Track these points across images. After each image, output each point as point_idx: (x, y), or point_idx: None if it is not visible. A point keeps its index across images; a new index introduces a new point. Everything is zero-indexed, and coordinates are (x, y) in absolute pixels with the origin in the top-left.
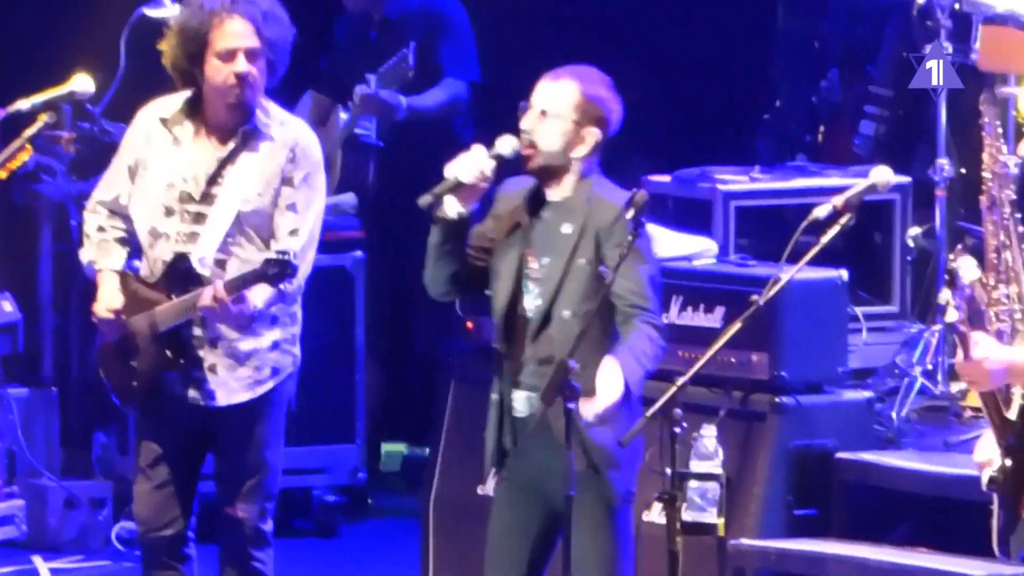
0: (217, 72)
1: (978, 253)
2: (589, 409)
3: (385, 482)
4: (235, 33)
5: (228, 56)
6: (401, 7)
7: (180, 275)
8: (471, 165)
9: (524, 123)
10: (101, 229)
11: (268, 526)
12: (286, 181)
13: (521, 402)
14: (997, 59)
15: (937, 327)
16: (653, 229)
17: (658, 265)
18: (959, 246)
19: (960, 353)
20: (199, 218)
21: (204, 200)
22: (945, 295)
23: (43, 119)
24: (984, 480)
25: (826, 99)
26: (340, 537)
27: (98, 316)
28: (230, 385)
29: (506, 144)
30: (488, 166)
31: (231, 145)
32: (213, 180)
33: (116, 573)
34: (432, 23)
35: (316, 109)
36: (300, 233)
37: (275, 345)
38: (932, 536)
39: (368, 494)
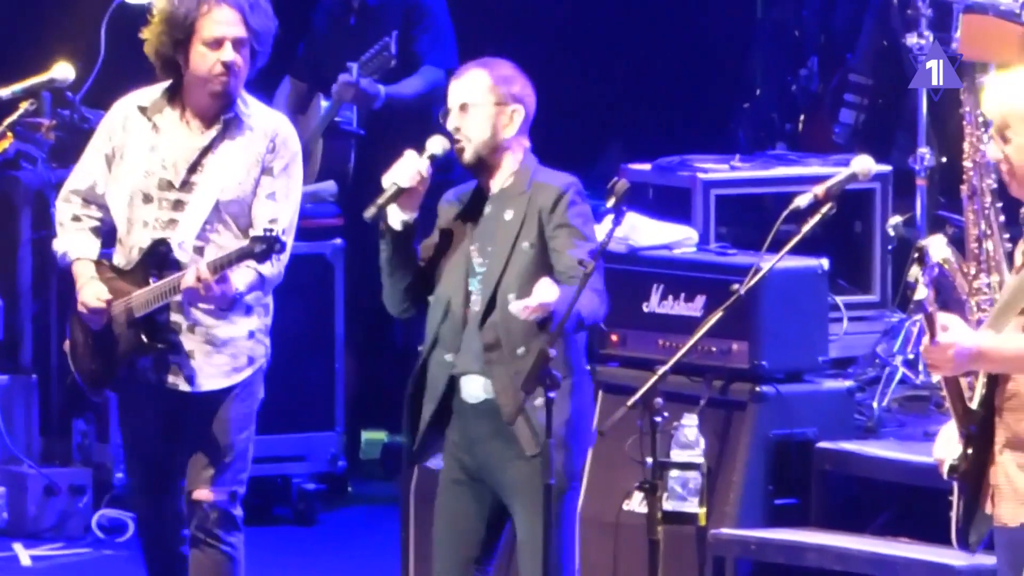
0: (203, 60)
1: (959, 242)
2: (519, 304)
3: (365, 470)
4: (223, 21)
5: (215, 44)
6: None
7: (158, 259)
8: (408, 169)
9: (449, 124)
10: (76, 218)
11: (238, 511)
12: (266, 170)
13: (476, 387)
14: (977, 48)
15: (918, 316)
16: (633, 217)
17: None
18: (939, 235)
19: (927, 335)
20: (178, 205)
21: (184, 187)
22: (914, 272)
23: (23, 107)
24: (945, 469)
25: (806, 88)
26: (320, 525)
27: (89, 306)
28: (206, 371)
29: (436, 143)
30: (423, 166)
31: (212, 133)
32: (193, 168)
33: (96, 560)
34: (410, 10)
35: (295, 96)
36: (280, 222)
37: (251, 334)
38: (912, 526)
39: (348, 482)
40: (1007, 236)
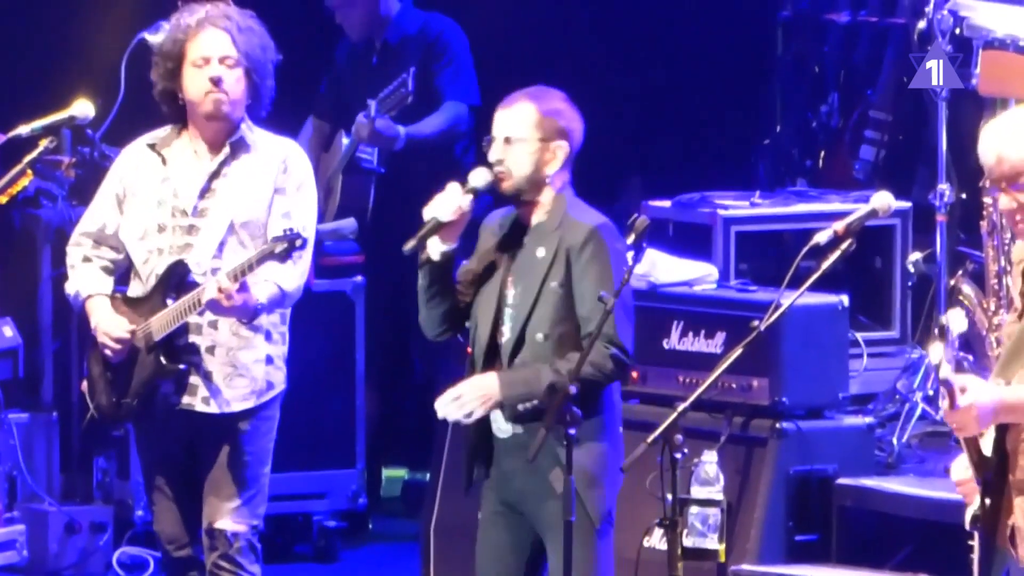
0: (192, 81)
1: (979, 278)
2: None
3: (385, 507)
4: (208, 41)
5: (203, 63)
6: (401, 32)
7: (176, 281)
8: (449, 203)
9: (492, 155)
10: (87, 259)
11: (257, 542)
12: (279, 191)
13: (504, 422)
14: (997, 83)
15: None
16: (654, 254)
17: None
18: (959, 272)
19: (946, 402)
20: (191, 230)
21: (196, 213)
22: (937, 352)
23: (43, 144)
24: (968, 520)
25: (826, 124)
26: (340, 562)
27: (113, 336)
28: (225, 393)
29: (479, 177)
30: (465, 201)
31: (220, 157)
32: (204, 193)
33: None
34: (431, 48)
35: (318, 135)
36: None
37: (269, 359)
38: (932, 562)
39: (369, 519)
40: None
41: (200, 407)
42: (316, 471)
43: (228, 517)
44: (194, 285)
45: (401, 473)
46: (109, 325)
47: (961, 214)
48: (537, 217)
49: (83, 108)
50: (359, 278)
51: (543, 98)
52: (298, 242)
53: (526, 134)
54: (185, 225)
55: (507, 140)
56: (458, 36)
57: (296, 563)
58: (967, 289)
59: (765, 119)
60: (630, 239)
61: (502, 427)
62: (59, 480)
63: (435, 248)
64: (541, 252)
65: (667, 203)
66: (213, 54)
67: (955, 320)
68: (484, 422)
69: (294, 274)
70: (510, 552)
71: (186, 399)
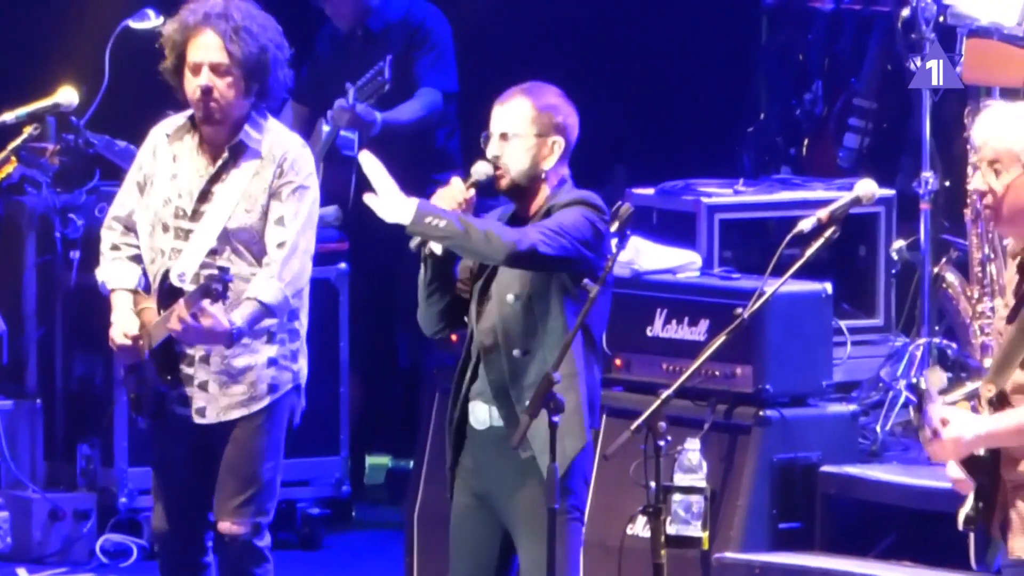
0: (188, 85)
1: (963, 266)
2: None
3: (369, 494)
4: (203, 46)
5: (196, 69)
6: (383, 20)
7: (167, 291)
8: (451, 199)
9: (489, 151)
10: (115, 247)
11: (264, 541)
12: (274, 195)
13: (483, 413)
14: (981, 72)
15: (922, 340)
16: (637, 242)
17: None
18: (943, 259)
19: (926, 432)
20: (187, 235)
21: (194, 217)
22: (917, 418)
23: (28, 131)
24: (961, 520)
25: (810, 112)
26: (324, 549)
27: (115, 343)
28: (221, 402)
29: (481, 169)
30: (468, 195)
31: (219, 162)
32: (203, 197)
33: None
34: (412, 35)
35: (297, 120)
36: (285, 245)
37: (272, 361)
38: (916, 549)
39: (352, 506)
40: None
41: (196, 419)
42: (300, 458)
43: (229, 519)
44: (181, 294)
45: (384, 461)
46: (115, 330)
47: (945, 202)
48: (536, 209)
49: (67, 95)
50: (343, 265)
51: (538, 93)
52: (222, 285)
53: (522, 130)
54: (185, 228)
55: (503, 136)
56: (440, 23)
57: (279, 550)
58: (951, 277)
59: (749, 107)
60: (614, 227)
61: (479, 418)
62: (43, 467)
63: (437, 243)
64: None
65: (651, 191)
66: (204, 60)
67: (933, 378)
68: (462, 413)
69: (275, 286)
70: (482, 546)
71: (181, 411)
